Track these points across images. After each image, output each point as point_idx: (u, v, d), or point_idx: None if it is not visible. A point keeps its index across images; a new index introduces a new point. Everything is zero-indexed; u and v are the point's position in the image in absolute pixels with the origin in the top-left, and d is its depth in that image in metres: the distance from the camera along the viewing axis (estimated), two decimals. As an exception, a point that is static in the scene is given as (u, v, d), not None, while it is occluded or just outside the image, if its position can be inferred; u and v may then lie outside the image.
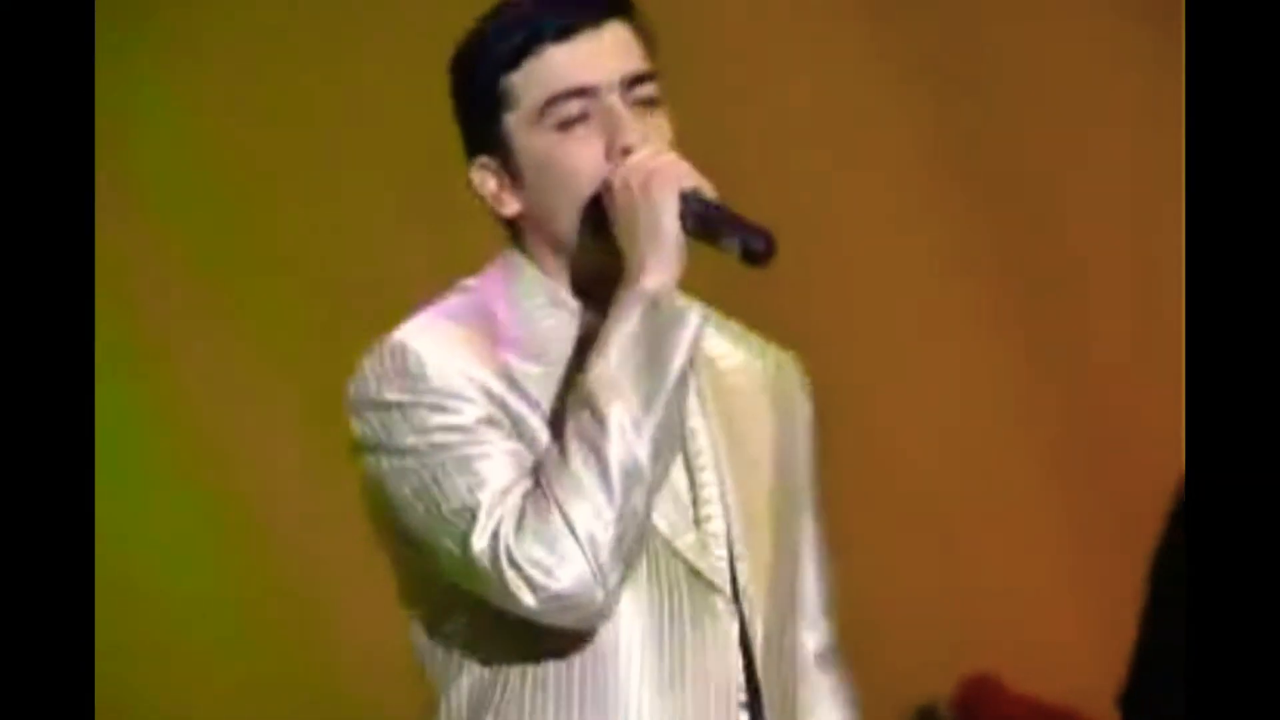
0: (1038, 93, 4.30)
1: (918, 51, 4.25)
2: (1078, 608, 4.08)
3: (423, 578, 1.92)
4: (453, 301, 1.96)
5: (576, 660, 1.87)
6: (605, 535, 1.78)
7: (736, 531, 1.94)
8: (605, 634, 1.87)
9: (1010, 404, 4.24)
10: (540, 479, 1.82)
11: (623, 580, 1.82)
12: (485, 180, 1.96)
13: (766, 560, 1.96)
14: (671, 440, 1.84)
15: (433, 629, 1.94)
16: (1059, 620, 4.12)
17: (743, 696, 1.92)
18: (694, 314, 1.85)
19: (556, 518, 1.79)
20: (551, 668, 1.88)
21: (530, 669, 1.89)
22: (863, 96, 4.20)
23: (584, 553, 1.78)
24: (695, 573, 1.91)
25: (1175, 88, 4.07)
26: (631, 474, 1.79)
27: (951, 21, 4.26)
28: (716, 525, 1.95)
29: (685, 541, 1.92)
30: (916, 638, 4.07)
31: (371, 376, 1.89)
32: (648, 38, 1.96)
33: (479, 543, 1.80)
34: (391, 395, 1.87)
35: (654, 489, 1.83)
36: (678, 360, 1.83)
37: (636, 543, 1.82)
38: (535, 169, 1.93)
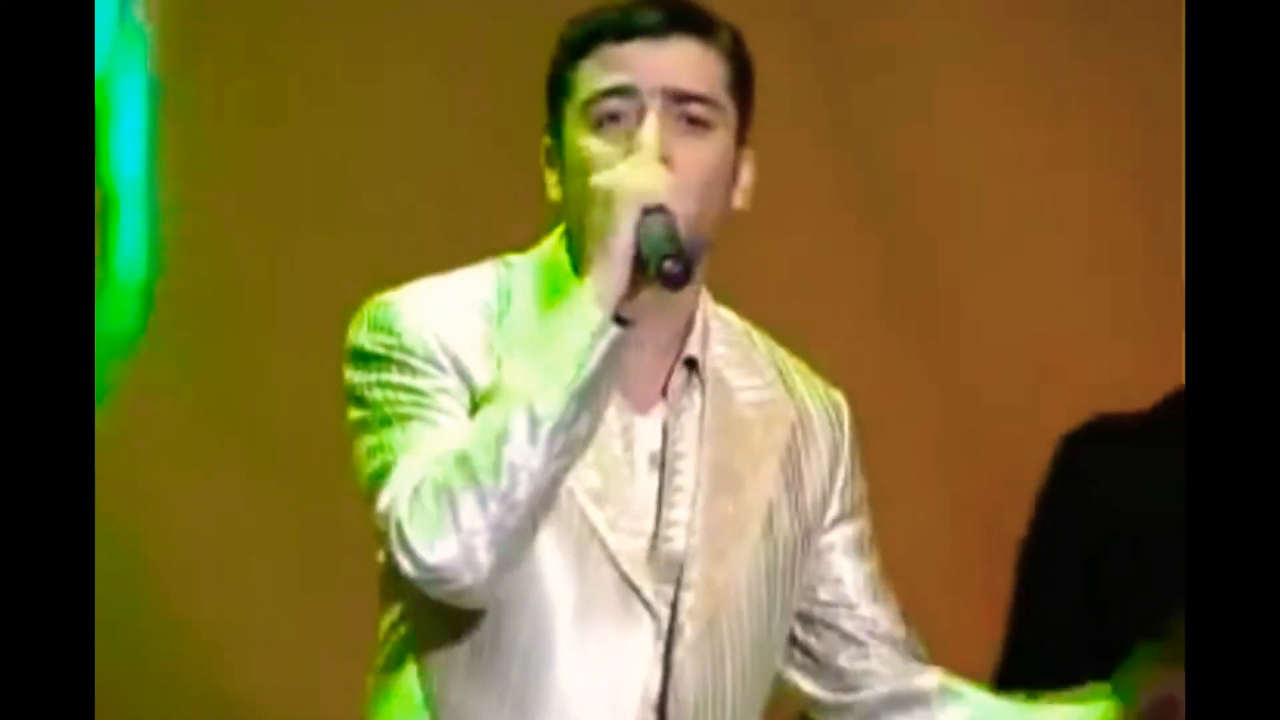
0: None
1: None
2: (955, 600, 4.08)
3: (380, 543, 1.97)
4: (479, 270, 2.03)
5: (491, 646, 1.93)
6: (482, 523, 1.83)
7: (694, 560, 1.96)
8: (526, 626, 1.92)
9: (888, 402, 4.25)
10: (447, 458, 1.87)
11: (501, 567, 1.86)
12: (543, 161, 2.02)
13: (722, 594, 1.97)
14: (573, 441, 1.86)
15: (383, 595, 2.02)
16: (938, 611, 4.12)
17: (653, 717, 1.95)
18: (613, 325, 1.85)
19: (445, 497, 1.84)
20: (467, 648, 1.94)
21: (447, 650, 1.95)
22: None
23: (459, 535, 1.83)
24: (632, 587, 1.94)
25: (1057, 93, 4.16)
26: (519, 470, 1.83)
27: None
28: (674, 547, 1.97)
29: (628, 554, 1.94)
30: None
31: (362, 326, 1.97)
32: (734, 67, 1.99)
33: (381, 502, 1.89)
34: (369, 347, 1.95)
35: (548, 484, 1.85)
36: (588, 366, 1.84)
37: (519, 534, 1.86)
38: (571, 159, 1.97)
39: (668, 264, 1.85)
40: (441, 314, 1.95)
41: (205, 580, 3.86)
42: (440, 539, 1.84)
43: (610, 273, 1.86)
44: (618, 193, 1.87)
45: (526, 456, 1.83)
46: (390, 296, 1.97)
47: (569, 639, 1.92)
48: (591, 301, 1.86)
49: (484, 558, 1.84)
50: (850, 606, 2.08)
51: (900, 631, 2.11)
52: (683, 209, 1.88)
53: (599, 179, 1.90)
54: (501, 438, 1.83)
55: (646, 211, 1.86)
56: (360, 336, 1.96)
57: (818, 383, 2.11)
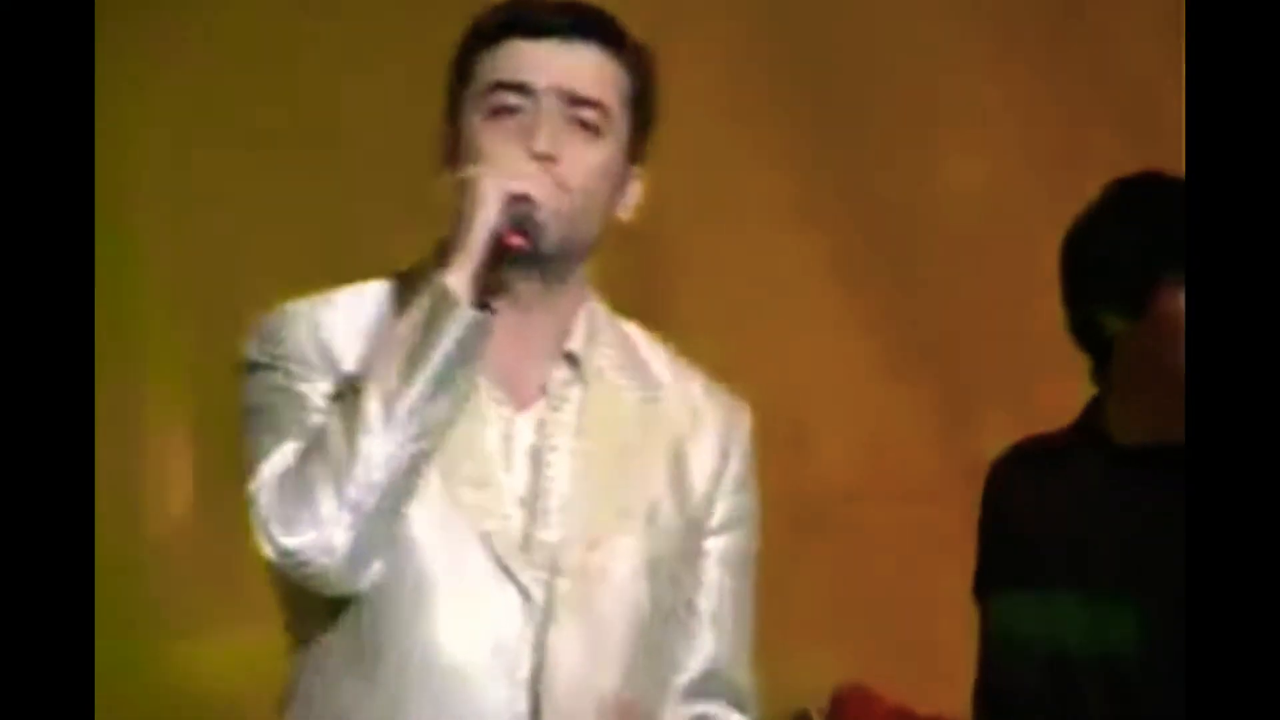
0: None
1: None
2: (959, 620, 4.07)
3: None
4: (374, 283, 2.06)
5: (369, 632, 1.95)
6: (337, 507, 1.88)
7: (567, 549, 1.99)
8: (403, 611, 1.94)
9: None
10: (307, 446, 1.92)
11: (360, 552, 1.89)
12: (440, 144, 2.05)
13: (598, 582, 1.99)
14: (429, 425, 1.90)
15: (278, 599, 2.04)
16: (936, 631, 4.10)
17: (524, 698, 1.96)
18: (469, 310, 1.88)
19: (303, 483, 1.90)
20: (346, 639, 1.97)
21: (327, 643, 1.98)
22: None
23: (315, 520, 1.88)
24: (507, 572, 1.96)
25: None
26: (374, 454, 1.88)
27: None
28: (548, 536, 1.99)
29: (503, 540, 1.97)
30: (796, 644, 4.02)
31: (251, 337, 2.02)
32: (634, 81, 2.04)
33: (249, 491, 1.93)
34: (254, 356, 2.01)
35: (406, 469, 1.90)
36: (440, 351, 1.89)
37: (377, 519, 1.90)
38: (464, 146, 2.01)
39: (515, 239, 1.91)
40: (325, 322, 2.00)
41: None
42: (297, 523, 1.89)
43: (470, 258, 1.91)
44: (485, 182, 1.92)
45: (381, 441, 1.88)
46: (278, 307, 2.02)
47: (445, 622, 1.94)
48: (448, 286, 1.90)
49: (340, 541, 1.88)
50: (699, 620, 2.08)
51: (732, 675, 2.10)
52: (550, 203, 1.93)
53: (469, 170, 1.95)
54: (357, 423, 1.88)
55: (512, 201, 1.91)
56: (248, 346, 2.02)
57: (720, 392, 2.14)
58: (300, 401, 1.96)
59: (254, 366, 2.01)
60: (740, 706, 2.11)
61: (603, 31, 2.02)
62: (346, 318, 2.01)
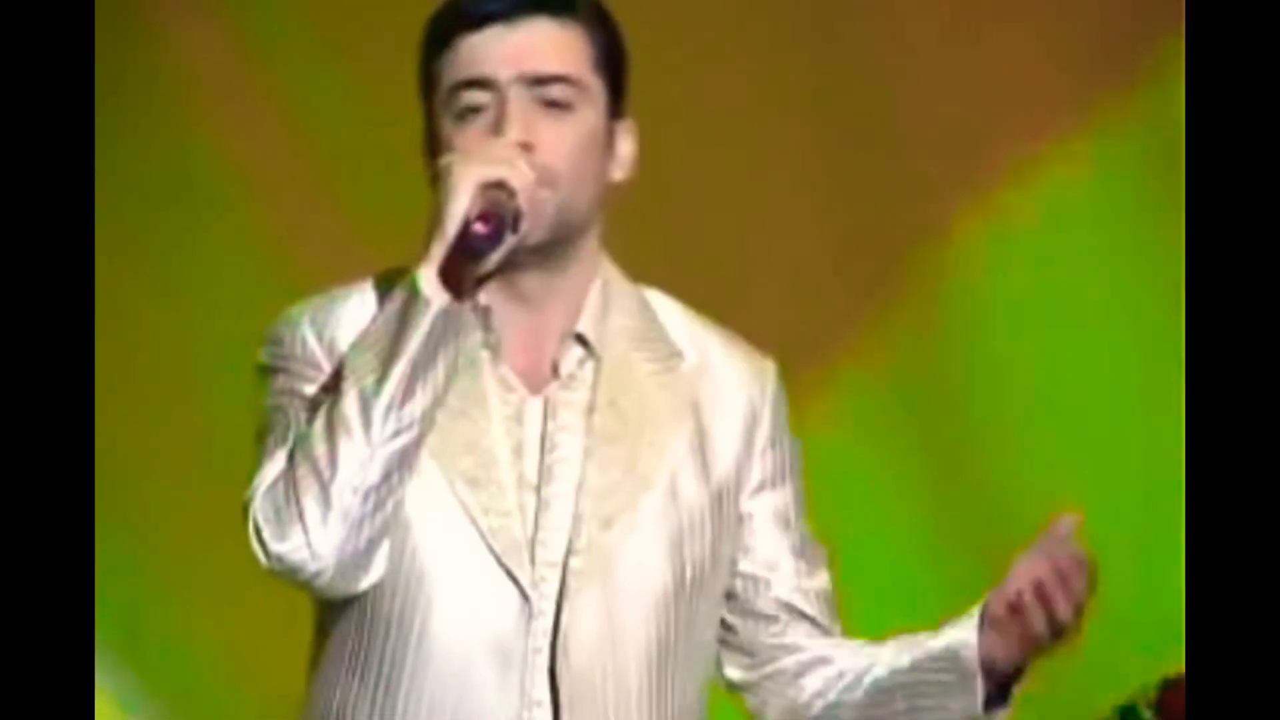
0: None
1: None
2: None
3: None
4: (378, 276, 2.01)
5: (373, 632, 1.93)
6: (321, 512, 1.86)
7: (579, 528, 1.94)
8: (399, 608, 1.92)
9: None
10: (296, 451, 1.90)
11: (348, 555, 1.87)
12: (427, 169, 1.99)
13: (614, 560, 1.95)
14: (409, 421, 1.87)
15: None
16: None
17: (538, 712, 1.92)
18: (437, 301, 1.85)
19: (291, 489, 1.87)
20: (345, 644, 1.95)
21: (328, 650, 1.97)
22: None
23: (302, 525, 1.86)
24: (505, 570, 1.93)
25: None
26: (354, 455, 1.85)
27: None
28: (559, 519, 1.95)
29: (503, 538, 1.93)
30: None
31: (264, 340, 2.00)
32: (596, 42, 1.97)
33: (246, 496, 1.91)
34: (263, 360, 2.00)
35: (392, 466, 1.87)
36: (411, 345, 1.86)
37: (364, 521, 1.87)
38: (442, 150, 1.95)
39: (476, 225, 1.85)
40: (330, 320, 1.97)
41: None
42: (286, 529, 1.87)
43: (442, 249, 1.87)
44: (456, 169, 1.88)
45: (361, 443, 1.86)
46: (285, 311, 2.00)
47: (441, 621, 1.91)
48: (419, 277, 1.87)
49: (327, 547, 1.86)
50: (766, 584, 2.04)
51: (814, 610, 2.06)
52: (528, 189, 1.88)
53: (444, 159, 1.91)
54: (338, 425, 1.86)
55: (487, 190, 1.87)
56: (259, 353, 2.00)
57: (740, 349, 2.09)
58: (305, 404, 1.94)
59: (263, 370, 1.98)
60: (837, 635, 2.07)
61: (548, 1, 1.95)
62: (351, 315, 1.97)
